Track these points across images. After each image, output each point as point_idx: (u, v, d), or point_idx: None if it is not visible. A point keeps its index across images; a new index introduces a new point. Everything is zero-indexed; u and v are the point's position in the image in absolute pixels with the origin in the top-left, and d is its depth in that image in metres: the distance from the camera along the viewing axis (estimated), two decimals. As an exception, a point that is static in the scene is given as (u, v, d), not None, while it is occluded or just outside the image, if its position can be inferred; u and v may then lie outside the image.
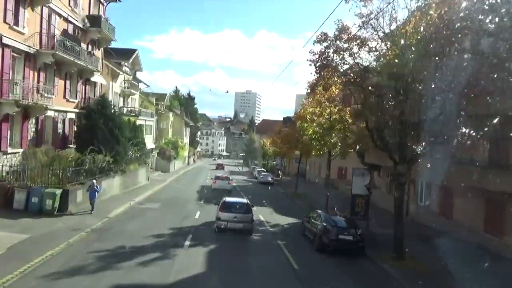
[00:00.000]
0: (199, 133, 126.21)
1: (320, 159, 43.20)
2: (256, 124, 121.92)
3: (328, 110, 27.29)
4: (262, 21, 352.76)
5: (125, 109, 40.88)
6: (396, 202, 16.25)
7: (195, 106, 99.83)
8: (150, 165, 44.21)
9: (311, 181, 53.35)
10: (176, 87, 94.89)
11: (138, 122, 41.63)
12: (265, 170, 58.56)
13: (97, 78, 30.67)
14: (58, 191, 18.29)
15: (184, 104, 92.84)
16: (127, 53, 41.94)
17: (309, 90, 24.28)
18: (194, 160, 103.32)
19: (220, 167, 72.83)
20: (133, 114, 39.74)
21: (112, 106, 26.93)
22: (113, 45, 34.18)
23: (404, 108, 14.30)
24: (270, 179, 48.04)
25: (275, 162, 68.70)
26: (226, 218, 17.95)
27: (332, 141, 27.26)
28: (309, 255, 16.61)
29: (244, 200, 20.08)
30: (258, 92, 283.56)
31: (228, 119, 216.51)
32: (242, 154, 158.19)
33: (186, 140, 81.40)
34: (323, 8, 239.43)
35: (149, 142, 46.81)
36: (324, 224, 17.04)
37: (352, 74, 16.42)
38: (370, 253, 16.68)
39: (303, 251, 17.18)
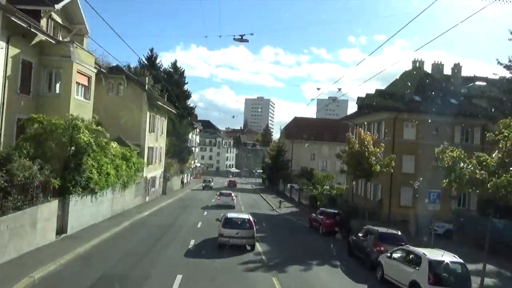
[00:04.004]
0: (195, 137, 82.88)
1: None
2: (283, 127, 78.56)
3: None
4: (266, 37, 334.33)
5: None
6: None
7: (184, 88, 56.65)
8: None
9: None
10: (152, 50, 51.67)
11: None
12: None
13: None
14: None
15: (164, 81, 50.25)
16: None
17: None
18: (184, 181, 59.71)
19: (231, 183, 68.69)
20: None
21: None
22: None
23: None
24: None
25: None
26: (228, 234, 16.90)
27: None
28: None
29: (246, 216, 18.77)
30: (272, 99, 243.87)
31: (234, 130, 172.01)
32: (258, 171, 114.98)
33: (158, 142, 38.09)
34: (327, 22, 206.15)
35: None
36: None
37: None
38: None
39: None
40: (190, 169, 77.24)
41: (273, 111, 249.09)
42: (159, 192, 40.07)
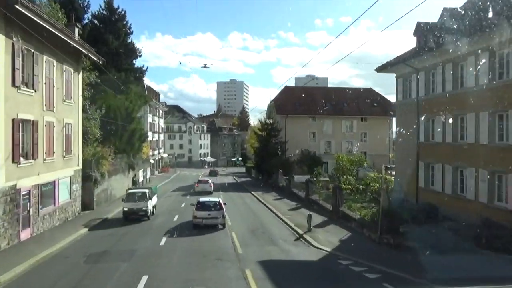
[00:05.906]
0: (157, 120, 63.62)
1: None
2: (273, 99, 60.08)
3: None
4: (233, 22, 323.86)
5: None
6: None
7: (128, 39, 37.27)
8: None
9: None
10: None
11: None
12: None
13: None
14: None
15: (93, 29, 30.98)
16: None
17: None
18: (139, 181, 40.59)
19: (213, 172, 65.28)
20: None
21: None
22: None
23: None
24: None
25: None
26: (201, 216, 19.28)
27: None
28: None
29: (216, 199, 21.12)
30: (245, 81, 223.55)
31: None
32: (239, 159, 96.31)
33: (56, 113, 19.05)
34: (293, 6, 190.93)
35: None
36: None
37: None
38: None
39: None
40: (151, 162, 58.12)
41: (248, 93, 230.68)
42: (72, 210, 21.25)
